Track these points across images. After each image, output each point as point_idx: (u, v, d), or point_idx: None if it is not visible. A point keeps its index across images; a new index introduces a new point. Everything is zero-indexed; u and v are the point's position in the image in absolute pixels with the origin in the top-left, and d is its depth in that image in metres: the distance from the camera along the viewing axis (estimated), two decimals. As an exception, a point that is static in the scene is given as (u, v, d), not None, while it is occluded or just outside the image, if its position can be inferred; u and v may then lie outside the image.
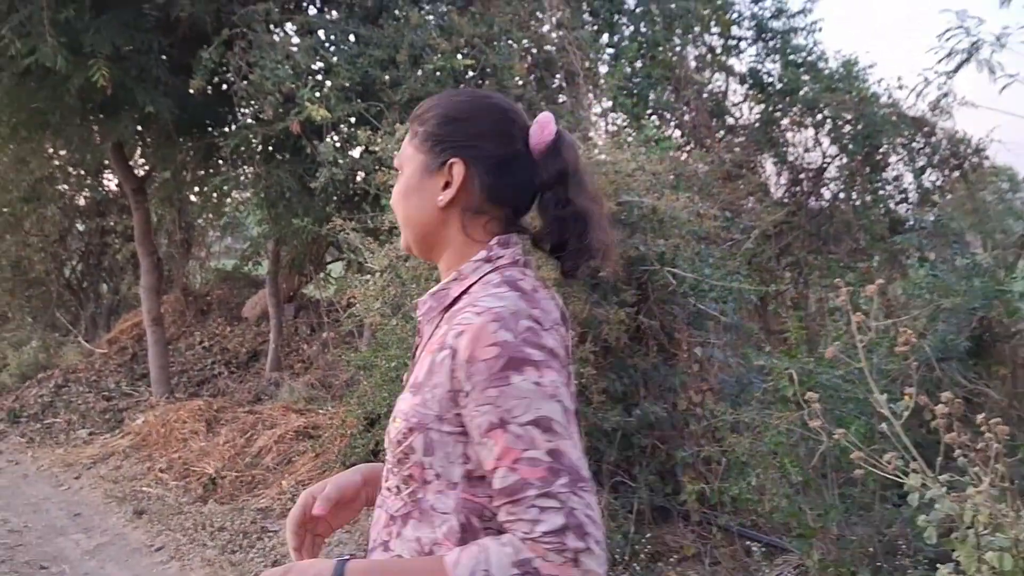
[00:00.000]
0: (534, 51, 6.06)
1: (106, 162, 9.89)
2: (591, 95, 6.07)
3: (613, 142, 4.95)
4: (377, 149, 5.04)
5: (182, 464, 6.46)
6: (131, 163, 8.63)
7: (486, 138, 1.37)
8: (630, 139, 5.13)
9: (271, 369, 8.27)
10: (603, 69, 6.06)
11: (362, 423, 5.46)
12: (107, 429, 7.86)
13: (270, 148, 6.82)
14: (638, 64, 6.20)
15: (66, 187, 11.78)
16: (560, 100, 6.03)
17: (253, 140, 6.45)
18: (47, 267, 12.10)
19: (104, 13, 6.11)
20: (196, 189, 9.49)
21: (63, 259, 12.31)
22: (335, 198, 6.09)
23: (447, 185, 1.37)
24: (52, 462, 7.13)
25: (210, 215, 10.88)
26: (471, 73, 5.86)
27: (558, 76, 6.37)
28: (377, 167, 5.58)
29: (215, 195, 8.72)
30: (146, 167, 8.93)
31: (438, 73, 5.54)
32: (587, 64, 6.00)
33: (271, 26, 6.07)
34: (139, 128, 7.19)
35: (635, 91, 6.11)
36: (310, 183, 5.99)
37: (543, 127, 1.38)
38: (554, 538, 1.15)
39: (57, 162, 10.43)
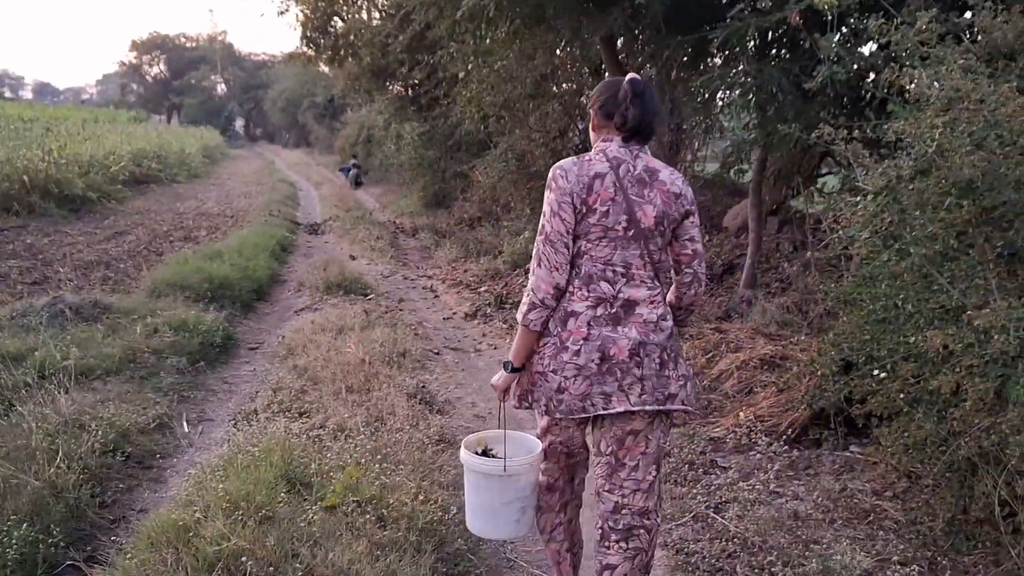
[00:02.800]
0: None
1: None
2: None
3: None
4: (890, 42, 4.10)
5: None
6: (621, 59, 8.44)
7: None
8: None
9: (745, 286, 7.69)
10: None
11: (836, 364, 4.69)
12: (577, 327, 7.95)
13: (764, 44, 6.10)
14: None
15: (567, 85, 12.20)
16: None
17: (746, 34, 5.77)
18: (547, 162, 12.72)
19: None
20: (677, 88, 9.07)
21: (561, 155, 12.83)
22: (834, 102, 5.22)
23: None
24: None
25: (699, 117, 10.43)
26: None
27: None
28: (889, 65, 4.63)
29: (704, 95, 8.18)
30: (633, 64, 8.67)
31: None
32: None
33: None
34: (630, 23, 6.88)
35: None
36: (806, 84, 5.20)
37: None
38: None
39: (557, 61, 10.70)
